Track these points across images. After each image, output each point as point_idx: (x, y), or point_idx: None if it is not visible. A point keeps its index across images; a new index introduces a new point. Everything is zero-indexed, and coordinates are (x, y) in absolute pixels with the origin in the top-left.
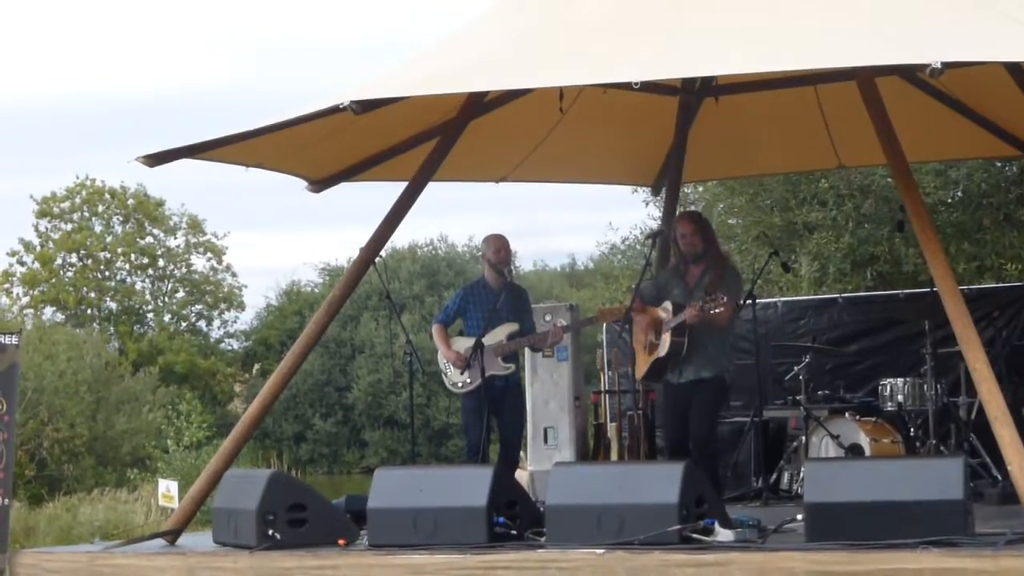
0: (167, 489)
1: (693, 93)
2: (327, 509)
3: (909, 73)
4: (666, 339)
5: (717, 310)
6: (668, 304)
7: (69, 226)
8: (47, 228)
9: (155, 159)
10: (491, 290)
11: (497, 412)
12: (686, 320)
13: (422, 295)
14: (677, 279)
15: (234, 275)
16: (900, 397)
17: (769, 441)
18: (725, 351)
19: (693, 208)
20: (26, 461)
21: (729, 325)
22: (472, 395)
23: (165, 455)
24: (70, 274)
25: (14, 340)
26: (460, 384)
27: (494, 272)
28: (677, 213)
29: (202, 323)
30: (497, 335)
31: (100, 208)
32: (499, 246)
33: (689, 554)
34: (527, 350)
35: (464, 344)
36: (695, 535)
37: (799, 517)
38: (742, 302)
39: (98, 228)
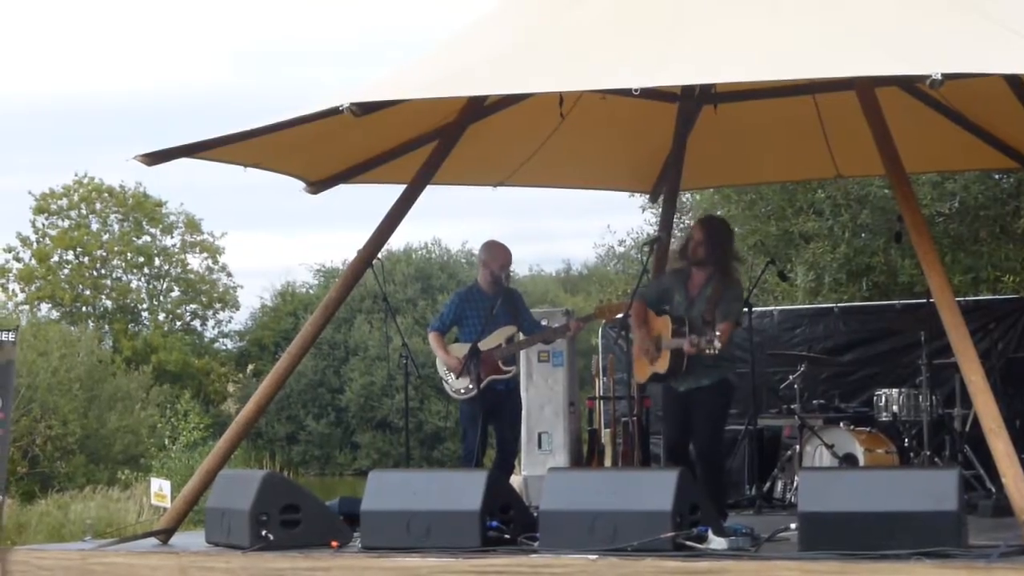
0: (160, 488)
1: (692, 100)
2: (321, 510)
3: (909, 84)
4: (665, 356)
5: (712, 351)
6: (668, 319)
7: (67, 223)
8: (44, 224)
9: (154, 158)
10: (486, 295)
11: (495, 418)
12: (684, 350)
13: (416, 299)
14: (679, 284)
15: (229, 275)
16: (895, 407)
17: (763, 449)
18: (726, 358)
19: (710, 215)
20: (18, 458)
21: (728, 340)
22: (471, 401)
23: (161, 452)
24: (66, 271)
25: (10, 337)
26: (463, 390)
27: (491, 279)
28: (700, 216)
29: (197, 322)
30: (495, 339)
31: (98, 206)
32: (505, 261)
33: (682, 561)
34: (523, 354)
35: (464, 351)
36: (688, 542)
37: (792, 526)
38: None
39: (95, 226)
